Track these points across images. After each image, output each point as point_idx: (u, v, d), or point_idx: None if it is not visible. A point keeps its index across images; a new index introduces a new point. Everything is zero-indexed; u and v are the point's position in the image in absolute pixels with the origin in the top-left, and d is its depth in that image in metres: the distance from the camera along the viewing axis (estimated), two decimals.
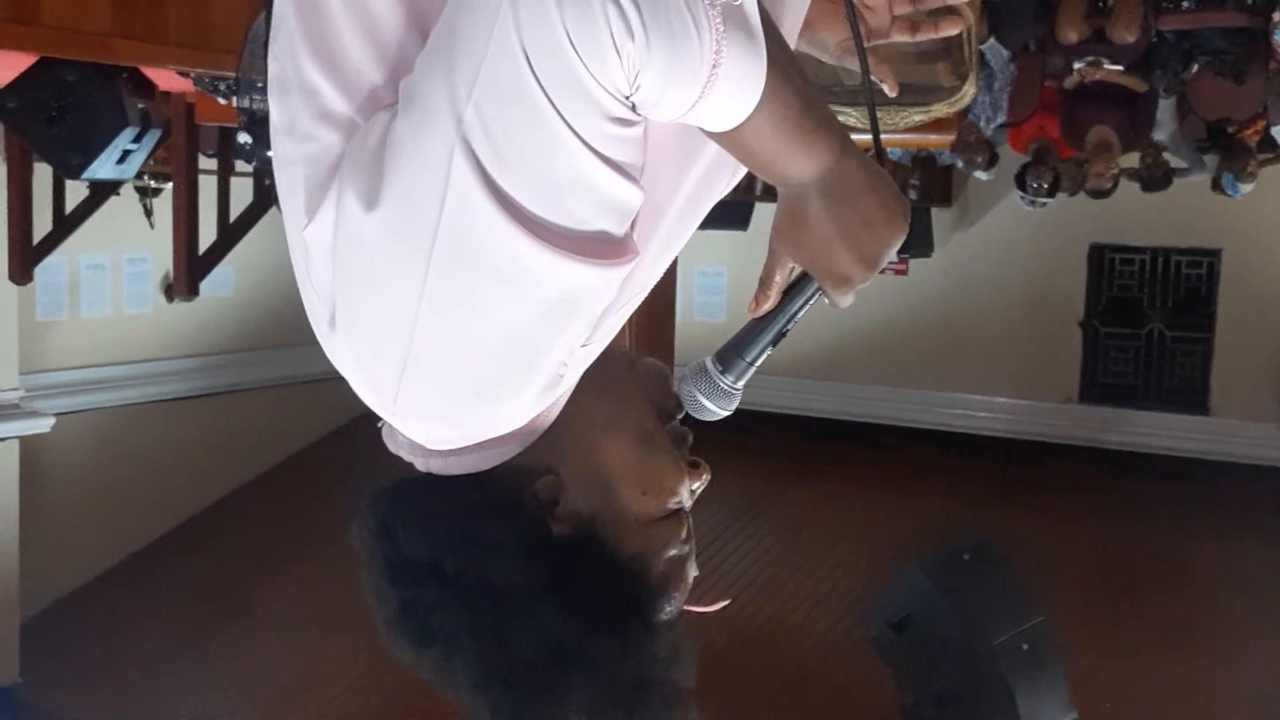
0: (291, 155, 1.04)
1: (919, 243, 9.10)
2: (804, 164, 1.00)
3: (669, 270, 1.19)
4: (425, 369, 1.00)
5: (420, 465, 1.15)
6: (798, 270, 1.09)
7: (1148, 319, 9.22)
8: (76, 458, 8.01)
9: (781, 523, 8.01)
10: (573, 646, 1.07)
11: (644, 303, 1.17)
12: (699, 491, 1.19)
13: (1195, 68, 5.90)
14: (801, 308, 1.11)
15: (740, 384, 1.12)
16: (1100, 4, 5.87)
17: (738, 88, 0.92)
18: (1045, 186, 6.73)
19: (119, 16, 4.10)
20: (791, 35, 1.27)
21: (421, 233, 0.92)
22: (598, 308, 1.01)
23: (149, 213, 7.74)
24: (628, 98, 0.88)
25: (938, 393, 9.28)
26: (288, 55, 1.04)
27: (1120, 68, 5.95)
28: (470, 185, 0.89)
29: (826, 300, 1.08)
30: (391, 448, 1.16)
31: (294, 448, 9.48)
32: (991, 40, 5.87)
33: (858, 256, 1.04)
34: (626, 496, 1.12)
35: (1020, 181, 6.81)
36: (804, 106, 0.97)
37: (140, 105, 5.00)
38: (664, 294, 3.77)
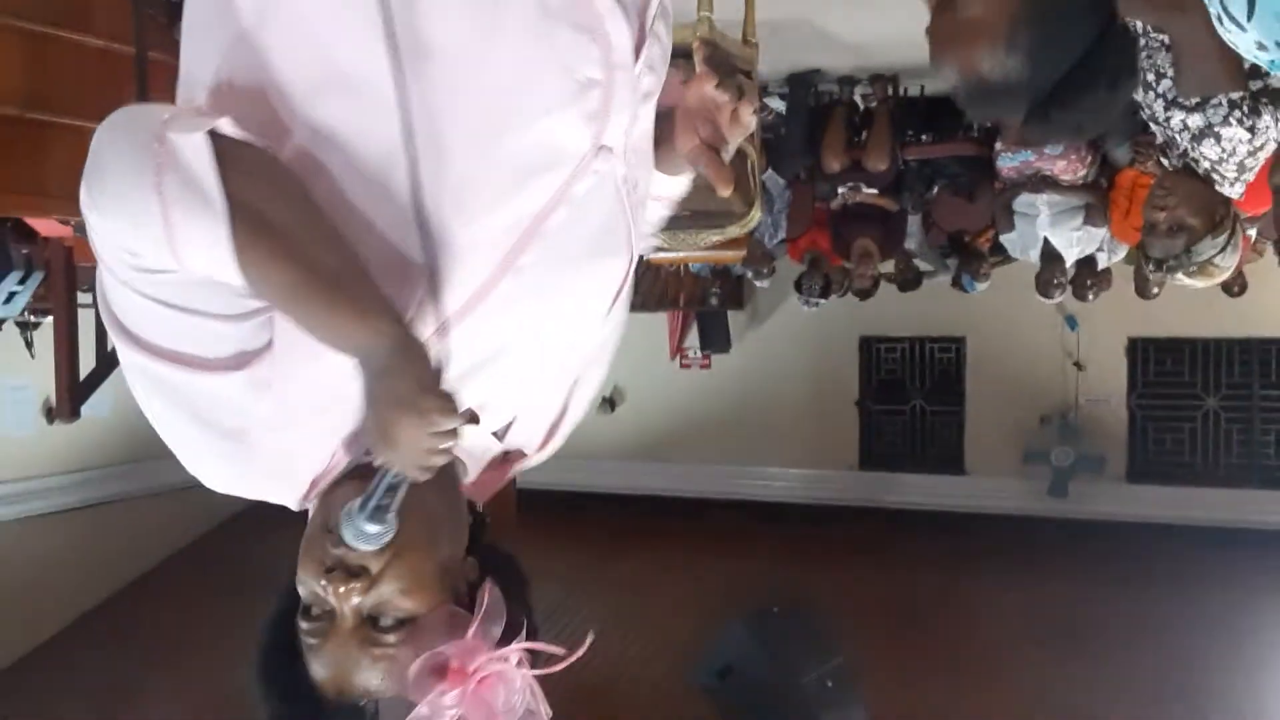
0: None
1: (719, 341, 9.25)
2: (329, 337, 1.03)
3: None
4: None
5: None
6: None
7: (910, 396, 9.43)
8: None
9: (615, 588, 7.93)
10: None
11: None
12: (345, 593, 1.12)
13: (936, 189, 6.15)
14: (381, 472, 1.07)
15: (374, 528, 1.07)
16: (856, 139, 6.09)
17: (203, 255, 0.97)
18: (818, 289, 6.89)
19: (3, 172, 3.95)
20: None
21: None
22: (213, 399, 1.07)
23: (29, 344, 7.43)
24: (130, 254, 0.98)
25: (741, 467, 9.33)
26: None
27: (875, 191, 6.14)
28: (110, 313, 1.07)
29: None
30: None
31: (171, 549, 9.12)
32: (770, 171, 6.04)
33: (377, 427, 1.04)
34: None
35: (798, 286, 6.97)
36: (310, 286, 1.00)
37: (24, 250, 4.83)
38: None
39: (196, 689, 7.16)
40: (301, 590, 1.12)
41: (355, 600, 1.10)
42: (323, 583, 1.10)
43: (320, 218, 1.03)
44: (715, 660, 5.19)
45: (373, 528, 1.07)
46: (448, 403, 1.03)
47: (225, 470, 1.16)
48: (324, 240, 1.02)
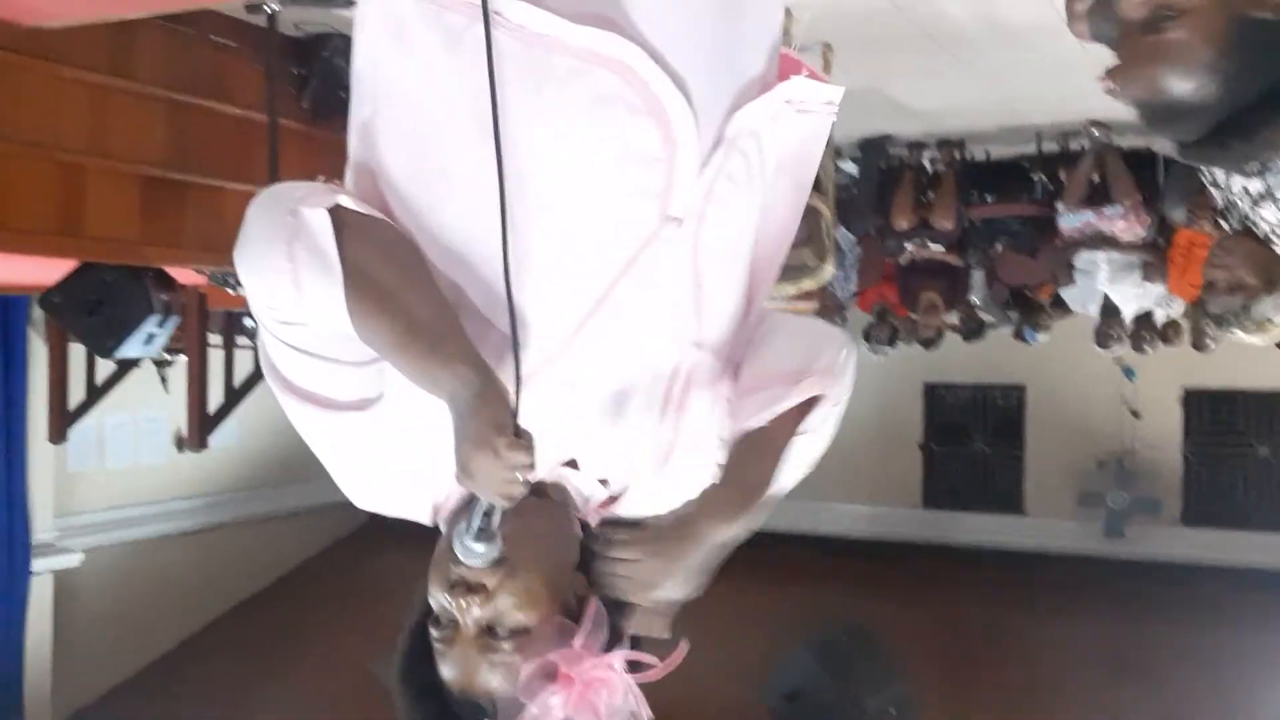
0: None
1: None
2: (424, 383, 1.10)
3: None
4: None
5: None
6: None
7: (972, 440, 9.34)
8: (103, 586, 7.73)
9: (695, 613, 7.87)
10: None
11: None
12: (465, 606, 1.19)
13: (999, 246, 6.09)
14: (475, 499, 1.15)
15: (480, 547, 1.15)
16: (923, 199, 6.06)
17: (326, 309, 1.06)
18: (886, 338, 6.86)
19: (147, 228, 4.08)
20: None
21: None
22: (342, 434, 1.18)
23: (164, 380, 7.61)
24: (271, 309, 1.07)
25: (812, 503, 9.24)
26: None
27: (941, 247, 6.12)
28: (271, 364, 1.15)
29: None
30: None
31: (285, 569, 9.25)
32: (841, 229, 6.03)
33: (459, 462, 1.10)
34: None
35: (866, 335, 6.94)
36: (407, 337, 1.08)
37: (163, 297, 4.96)
38: None
39: (308, 694, 7.27)
40: (431, 602, 1.19)
41: (475, 613, 1.16)
42: (447, 597, 1.17)
43: (421, 277, 1.12)
44: (783, 684, 5.13)
45: (479, 547, 1.14)
46: (518, 441, 1.09)
47: (361, 492, 1.27)
48: (422, 297, 1.10)
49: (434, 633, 1.19)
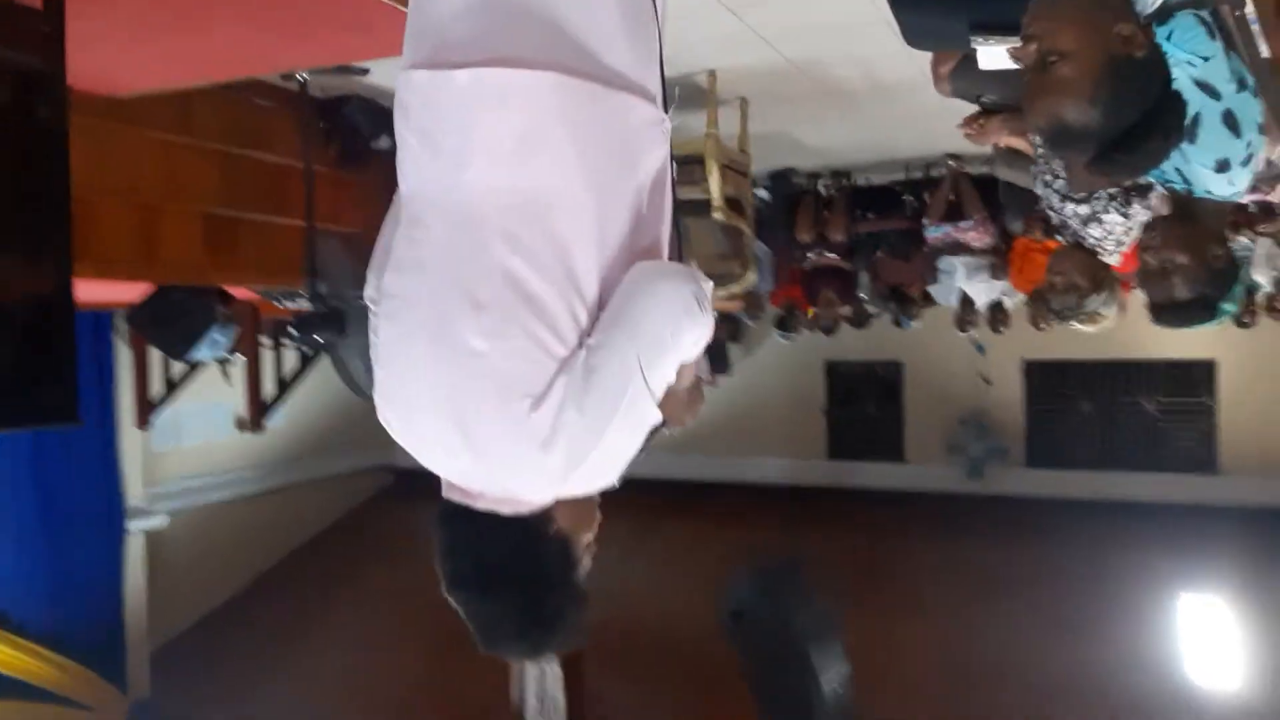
0: (514, 368, 1.27)
1: (723, 365, 9.18)
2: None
3: None
4: (585, 472, 1.31)
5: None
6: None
7: (863, 405, 9.34)
8: (184, 541, 7.59)
9: (658, 548, 7.88)
10: (546, 594, 1.32)
11: None
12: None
13: (880, 253, 6.10)
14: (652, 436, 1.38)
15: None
16: (820, 217, 6.06)
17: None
18: (793, 327, 6.86)
19: (209, 255, 3.98)
20: None
21: (610, 409, 1.26)
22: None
23: (227, 375, 7.43)
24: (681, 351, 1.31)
25: (743, 459, 9.30)
26: (518, 325, 1.26)
27: (835, 255, 6.12)
28: (640, 383, 1.26)
29: (667, 431, 1.43)
30: (457, 496, 1.35)
31: (328, 522, 9.12)
32: (759, 242, 6.01)
33: (685, 416, 1.46)
34: (581, 537, 1.37)
35: (778, 325, 6.94)
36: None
37: (224, 309, 4.85)
38: None
39: (351, 623, 7.18)
40: (587, 540, 1.39)
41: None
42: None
43: None
44: (729, 603, 5.06)
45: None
46: None
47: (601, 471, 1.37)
48: None
49: (588, 556, 1.39)
